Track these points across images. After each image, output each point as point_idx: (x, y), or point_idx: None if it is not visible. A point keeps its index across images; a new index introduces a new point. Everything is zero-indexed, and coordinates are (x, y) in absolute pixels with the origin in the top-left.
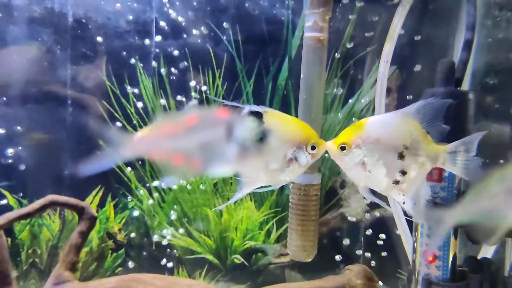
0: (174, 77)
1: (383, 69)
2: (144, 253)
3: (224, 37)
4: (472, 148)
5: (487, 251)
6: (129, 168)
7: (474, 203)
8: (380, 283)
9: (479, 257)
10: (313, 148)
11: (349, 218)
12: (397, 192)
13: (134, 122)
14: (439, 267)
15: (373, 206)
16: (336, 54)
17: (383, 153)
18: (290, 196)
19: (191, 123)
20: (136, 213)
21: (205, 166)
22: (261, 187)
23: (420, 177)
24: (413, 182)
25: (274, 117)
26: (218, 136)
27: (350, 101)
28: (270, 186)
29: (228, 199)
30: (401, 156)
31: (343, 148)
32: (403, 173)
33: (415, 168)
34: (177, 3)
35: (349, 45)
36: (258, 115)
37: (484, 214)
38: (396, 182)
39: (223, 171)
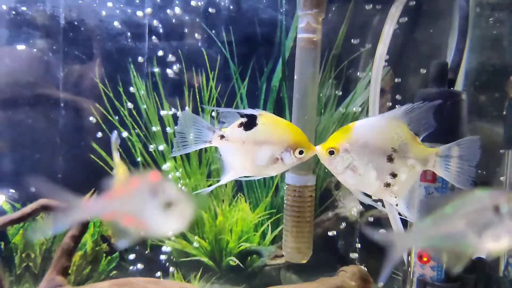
0: (168, 79)
1: (377, 70)
2: (139, 256)
3: (218, 39)
4: (468, 156)
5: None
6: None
7: (432, 229)
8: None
9: (476, 256)
10: (300, 152)
11: (343, 218)
12: (389, 195)
13: (128, 124)
14: (434, 267)
15: (368, 206)
16: (329, 55)
17: (372, 157)
18: (285, 198)
19: (133, 186)
20: None
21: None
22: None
23: (411, 180)
24: (405, 184)
25: (267, 119)
26: (147, 198)
27: (344, 102)
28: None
29: (223, 201)
30: (390, 159)
31: (331, 153)
32: (394, 175)
33: (405, 171)
34: (170, 5)
35: (342, 46)
36: (252, 117)
37: (444, 240)
38: (387, 185)
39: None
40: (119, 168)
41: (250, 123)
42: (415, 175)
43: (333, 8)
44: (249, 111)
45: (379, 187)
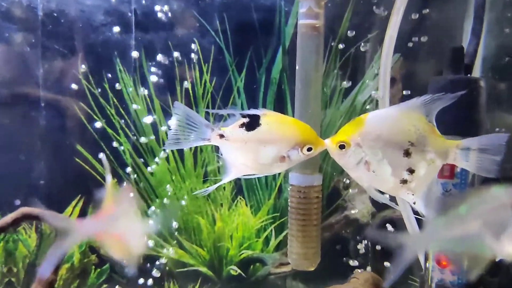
0: (157, 74)
1: (386, 57)
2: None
3: (211, 27)
4: (492, 151)
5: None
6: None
7: (445, 230)
8: None
9: (497, 259)
10: (309, 149)
11: (354, 221)
12: (406, 192)
13: (115, 123)
14: (454, 271)
15: (380, 207)
16: (334, 42)
17: (387, 151)
18: (289, 200)
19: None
20: None
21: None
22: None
23: (430, 175)
24: (423, 180)
25: (271, 119)
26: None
27: (351, 93)
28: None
29: (222, 205)
30: (407, 153)
31: (342, 147)
32: (411, 171)
33: (424, 166)
34: None
35: (348, 33)
36: (254, 118)
37: (459, 243)
38: (404, 181)
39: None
40: (110, 190)
41: (252, 124)
42: (434, 170)
43: None
44: (252, 111)
45: (395, 184)
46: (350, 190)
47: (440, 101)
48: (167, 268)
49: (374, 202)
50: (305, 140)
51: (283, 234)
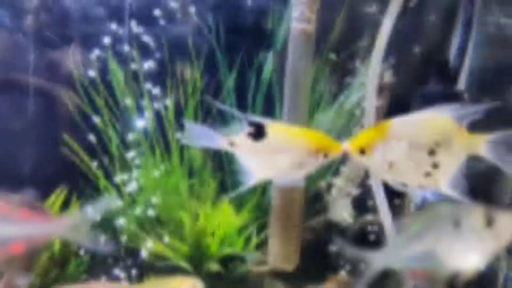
0: (148, 69)
1: (375, 64)
2: (112, 258)
3: (204, 26)
4: None
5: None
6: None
7: (403, 248)
8: None
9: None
10: (325, 156)
11: (334, 224)
12: (429, 182)
13: (105, 114)
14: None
15: (360, 211)
16: (324, 47)
17: (411, 153)
18: (272, 200)
19: None
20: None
21: None
22: None
23: (454, 166)
24: (446, 172)
25: (279, 129)
26: None
27: (339, 97)
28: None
29: (205, 201)
30: (431, 152)
31: (362, 152)
32: (435, 166)
33: (448, 160)
34: None
35: (338, 38)
36: (260, 127)
37: (417, 260)
38: (428, 174)
39: None
40: None
41: (258, 133)
42: (459, 161)
43: None
44: (257, 119)
45: (418, 177)
46: (333, 194)
47: (470, 111)
48: (146, 260)
49: (355, 206)
50: (318, 147)
51: (265, 233)
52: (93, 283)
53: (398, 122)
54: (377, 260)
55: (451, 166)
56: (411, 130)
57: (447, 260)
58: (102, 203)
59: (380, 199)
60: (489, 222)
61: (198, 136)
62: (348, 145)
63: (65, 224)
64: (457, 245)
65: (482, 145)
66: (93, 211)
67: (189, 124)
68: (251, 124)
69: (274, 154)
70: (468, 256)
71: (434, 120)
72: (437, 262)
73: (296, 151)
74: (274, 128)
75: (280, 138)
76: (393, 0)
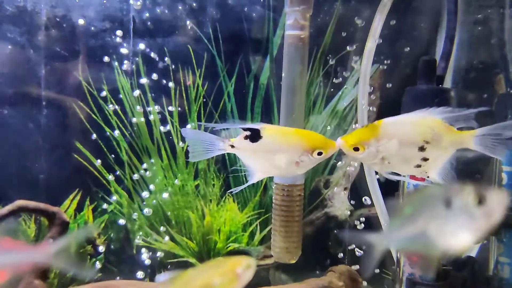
0: (153, 77)
1: (365, 67)
2: (125, 258)
3: (204, 36)
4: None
5: (471, 250)
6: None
7: (398, 231)
8: (365, 283)
9: (463, 256)
10: (319, 154)
11: (333, 218)
12: (420, 172)
13: (112, 123)
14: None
15: (357, 205)
16: (318, 52)
17: (402, 150)
18: (273, 197)
19: None
20: (116, 217)
21: None
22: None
23: (444, 159)
24: (436, 164)
25: (272, 131)
26: None
27: (333, 100)
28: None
29: (211, 201)
30: (421, 149)
31: (356, 149)
32: (425, 159)
33: (438, 154)
34: (156, 1)
35: (331, 43)
36: (255, 131)
37: (410, 242)
38: (418, 166)
39: None
40: None
41: (254, 136)
42: (448, 155)
43: (321, 5)
44: (251, 125)
45: (409, 168)
46: (330, 189)
47: (460, 114)
48: (158, 259)
49: (352, 201)
50: (312, 146)
51: (267, 229)
52: (112, 282)
53: (389, 122)
54: (378, 242)
55: (440, 159)
56: (402, 129)
57: (439, 240)
58: (83, 231)
59: (375, 192)
60: (481, 200)
61: (201, 144)
62: (342, 142)
63: (48, 251)
64: (448, 225)
65: (471, 140)
66: (75, 239)
67: (188, 131)
68: (247, 129)
69: (271, 154)
70: (460, 235)
71: (424, 121)
72: (429, 243)
73: (291, 150)
74: (269, 131)
75: (275, 139)
76: (382, 3)
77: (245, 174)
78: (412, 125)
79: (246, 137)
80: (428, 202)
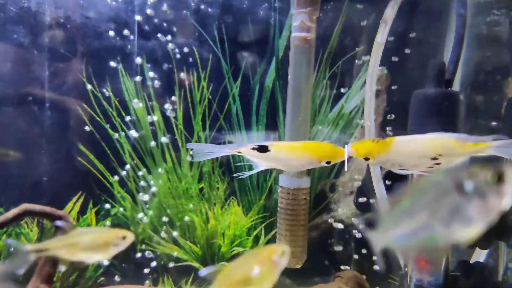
0: (158, 79)
1: (372, 70)
2: (128, 261)
3: (209, 38)
4: None
5: (479, 255)
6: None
7: (394, 227)
8: None
9: (471, 261)
10: (328, 162)
11: (339, 222)
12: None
13: (116, 124)
14: (432, 272)
15: (363, 209)
16: (324, 54)
17: (414, 160)
18: (278, 201)
19: None
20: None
21: None
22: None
23: (456, 162)
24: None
25: (280, 147)
26: None
27: (339, 102)
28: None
29: (215, 204)
30: (434, 159)
31: (366, 159)
32: (437, 164)
33: (451, 159)
34: (160, 3)
35: (337, 45)
36: (263, 149)
37: (410, 237)
38: (430, 167)
39: None
40: None
41: (261, 149)
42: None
43: (328, 7)
44: (259, 143)
45: (421, 170)
46: (336, 193)
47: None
48: (162, 262)
49: (357, 205)
50: (320, 157)
51: (272, 233)
52: (118, 286)
53: (402, 140)
54: (375, 240)
55: (453, 162)
56: (414, 147)
57: (448, 233)
58: (21, 258)
59: (381, 194)
60: (500, 178)
61: (207, 154)
62: (352, 150)
63: None
64: (461, 212)
65: (488, 151)
66: (12, 266)
67: (194, 146)
68: (255, 148)
69: (280, 163)
70: (473, 222)
71: (437, 139)
72: (433, 237)
73: (299, 166)
74: (276, 147)
75: (282, 153)
76: (389, 6)
77: (250, 176)
78: (425, 143)
79: (253, 149)
80: (435, 190)
